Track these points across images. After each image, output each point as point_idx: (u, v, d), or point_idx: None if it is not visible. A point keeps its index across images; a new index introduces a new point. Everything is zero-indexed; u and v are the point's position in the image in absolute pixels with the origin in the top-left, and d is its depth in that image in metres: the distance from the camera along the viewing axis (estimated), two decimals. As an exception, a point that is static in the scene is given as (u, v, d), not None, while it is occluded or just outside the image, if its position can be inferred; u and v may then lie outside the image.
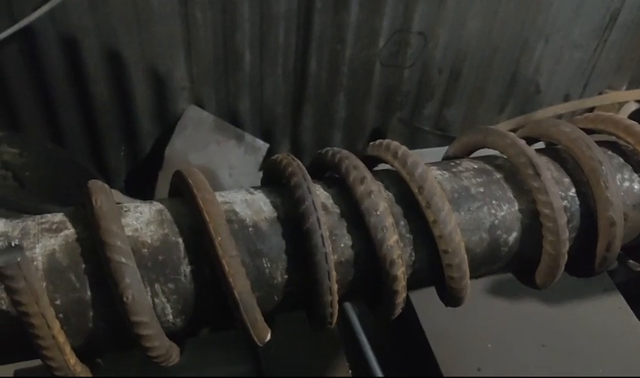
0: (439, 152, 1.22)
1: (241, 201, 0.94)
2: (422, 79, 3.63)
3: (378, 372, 1.88)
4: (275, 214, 0.92)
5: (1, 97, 3.13)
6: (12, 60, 2.98)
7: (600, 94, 4.04)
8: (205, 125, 3.50)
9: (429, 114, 3.84)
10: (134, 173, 3.65)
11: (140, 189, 3.57)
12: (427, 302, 1.80)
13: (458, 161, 1.08)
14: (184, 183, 0.90)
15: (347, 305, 2.02)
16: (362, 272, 0.95)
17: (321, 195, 0.95)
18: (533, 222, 1.00)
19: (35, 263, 0.80)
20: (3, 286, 0.71)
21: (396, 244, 0.89)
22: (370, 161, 1.03)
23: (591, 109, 3.78)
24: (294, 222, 0.90)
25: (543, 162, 1.00)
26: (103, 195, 0.85)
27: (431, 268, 0.99)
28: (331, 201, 0.95)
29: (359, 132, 3.80)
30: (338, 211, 0.94)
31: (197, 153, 3.48)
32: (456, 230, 0.92)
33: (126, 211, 0.91)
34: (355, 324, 1.98)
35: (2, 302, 0.78)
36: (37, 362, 0.80)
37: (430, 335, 1.79)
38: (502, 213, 0.99)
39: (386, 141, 1.00)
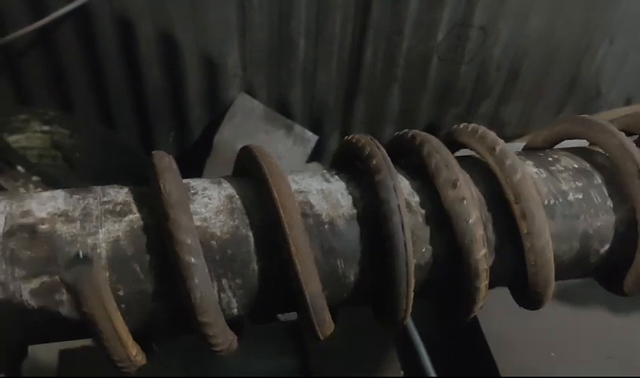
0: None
1: (317, 191, 0.88)
2: (480, 76, 3.52)
3: (432, 373, 1.81)
4: (354, 211, 0.86)
5: (55, 76, 3.13)
6: (66, 39, 2.98)
7: (664, 99, 3.89)
8: (254, 114, 3.45)
9: (485, 112, 3.73)
10: (182, 159, 3.62)
11: (188, 175, 3.52)
12: (489, 304, 1.72)
13: (556, 156, 1.00)
14: (255, 166, 0.85)
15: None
16: (439, 276, 0.89)
17: (404, 189, 0.88)
18: (628, 231, 0.92)
19: (98, 251, 0.76)
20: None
21: (484, 257, 0.83)
22: (452, 145, 0.97)
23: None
24: (374, 220, 0.83)
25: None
26: (171, 177, 0.80)
27: (513, 275, 0.92)
28: (416, 199, 0.88)
29: (412, 127, 3.62)
30: (423, 212, 0.87)
31: (245, 141, 3.40)
32: (549, 244, 0.85)
33: (194, 194, 0.86)
34: (409, 323, 1.91)
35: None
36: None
37: (490, 338, 1.71)
38: (598, 224, 0.92)
39: (481, 129, 0.93)
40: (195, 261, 0.73)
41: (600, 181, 0.95)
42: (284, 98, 3.48)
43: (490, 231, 0.88)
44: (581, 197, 0.92)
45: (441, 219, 0.85)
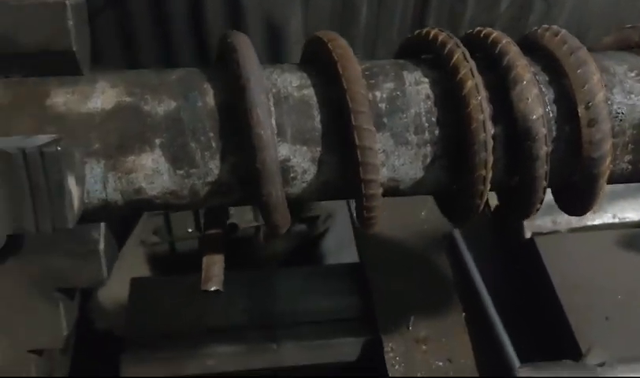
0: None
1: None
2: (542, 48, 3.48)
3: (494, 315, 1.81)
4: None
5: (124, 37, 3.20)
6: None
7: None
8: (314, 83, 3.45)
9: (546, 87, 3.68)
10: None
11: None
12: (555, 249, 1.72)
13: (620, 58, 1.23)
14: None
15: (463, 247, 1.95)
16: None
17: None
18: None
19: None
20: None
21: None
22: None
23: None
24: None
25: None
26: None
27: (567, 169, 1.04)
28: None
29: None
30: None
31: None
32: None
33: None
34: (471, 266, 1.92)
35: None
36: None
37: (557, 281, 1.71)
38: None
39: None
40: None
41: None
42: (345, 66, 3.47)
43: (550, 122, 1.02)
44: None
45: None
